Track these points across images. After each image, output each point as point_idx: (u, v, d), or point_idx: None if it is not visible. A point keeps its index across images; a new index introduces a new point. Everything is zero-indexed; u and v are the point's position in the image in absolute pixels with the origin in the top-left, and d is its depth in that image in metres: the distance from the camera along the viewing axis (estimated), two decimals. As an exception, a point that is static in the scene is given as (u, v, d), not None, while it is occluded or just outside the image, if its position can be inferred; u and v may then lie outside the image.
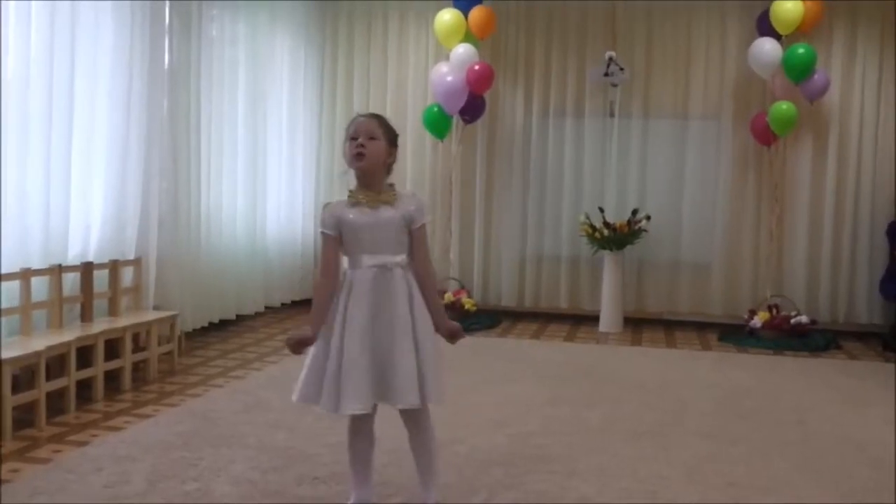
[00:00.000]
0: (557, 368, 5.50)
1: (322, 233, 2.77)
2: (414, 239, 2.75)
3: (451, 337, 2.81)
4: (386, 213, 2.71)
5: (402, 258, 2.73)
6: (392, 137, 2.78)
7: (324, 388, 2.67)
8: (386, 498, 3.01)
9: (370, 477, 2.90)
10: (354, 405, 2.65)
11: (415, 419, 2.79)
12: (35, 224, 4.53)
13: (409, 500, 3.05)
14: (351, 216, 2.72)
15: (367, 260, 2.71)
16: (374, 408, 2.76)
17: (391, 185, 2.79)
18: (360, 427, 2.81)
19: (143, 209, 5.43)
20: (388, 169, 2.78)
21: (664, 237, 7.52)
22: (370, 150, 2.69)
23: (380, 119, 2.78)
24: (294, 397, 2.76)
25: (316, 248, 8.23)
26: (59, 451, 3.56)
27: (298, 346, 2.70)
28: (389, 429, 3.01)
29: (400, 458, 3.35)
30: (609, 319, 7.24)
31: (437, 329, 2.78)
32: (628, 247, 7.25)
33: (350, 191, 2.78)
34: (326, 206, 2.82)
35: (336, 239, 2.75)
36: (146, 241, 5.46)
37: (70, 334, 4.33)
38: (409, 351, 2.66)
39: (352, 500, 2.88)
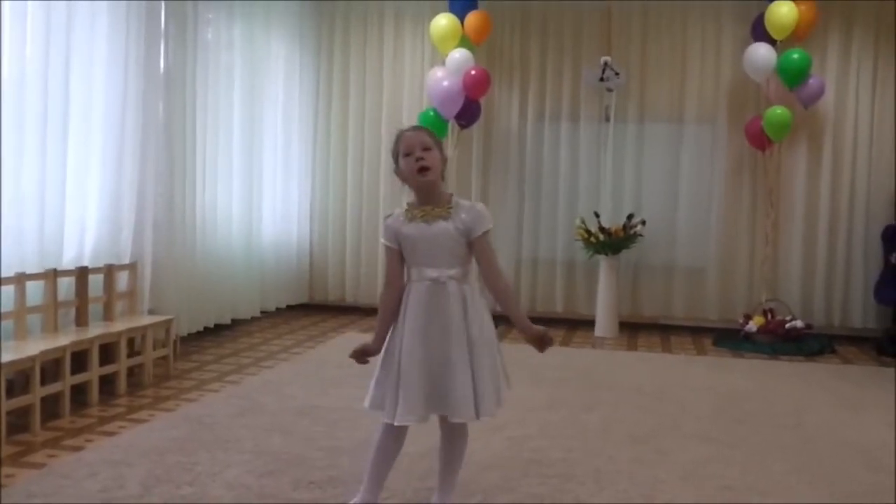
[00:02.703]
0: (554, 373, 5.49)
1: (384, 244, 2.81)
2: (476, 250, 2.72)
3: (538, 344, 2.71)
4: (440, 226, 2.70)
5: (456, 271, 2.71)
6: (440, 145, 2.80)
7: (386, 399, 2.73)
8: (383, 500, 3.00)
9: (384, 481, 2.90)
10: (408, 417, 2.68)
11: (455, 430, 2.81)
12: (30, 228, 4.51)
13: (406, 501, 3.05)
14: (406, 230, 2.74)
15: (422, 273, 2.73)
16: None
17: (450, 194, 2.79)
18: (397, 432, 2.79)
19: (138, 213, 5.41)
20: (442, 177, 2.79)
21: (659, 241, 7.52)
22: (430, 160, 2.71)
23: (427, 129, 2.83)
24: (365, 403, 2.80)
25: (312, 251, 8.25)
26: (53, 456, 3.54)
27: (360, 356, 2.78)
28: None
29: (397, 460, 3.33)
30: (605, 324, 7.24)
31: (523, 334, 2.72)
32: (624, 251, 7.26)
33: (408, 204, 2.80)
34: (387, 217, 2.84)
35: (396, 251, 2.78)
36: (141, 245, 5.44)
37: (65, 339, 4.32)
38: (463, 364, 2.66)
39: (356, 500, 2.86)
